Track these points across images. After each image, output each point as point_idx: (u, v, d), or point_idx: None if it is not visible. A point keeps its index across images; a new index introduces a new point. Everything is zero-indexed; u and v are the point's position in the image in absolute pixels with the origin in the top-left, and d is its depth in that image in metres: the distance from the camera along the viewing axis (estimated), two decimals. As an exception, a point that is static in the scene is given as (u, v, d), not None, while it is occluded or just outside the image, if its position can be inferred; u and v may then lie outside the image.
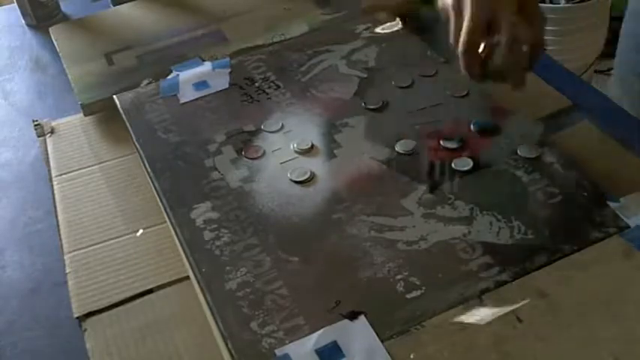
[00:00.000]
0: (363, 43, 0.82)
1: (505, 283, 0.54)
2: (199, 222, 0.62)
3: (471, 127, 0.68)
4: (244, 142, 0.70)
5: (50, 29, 0.92)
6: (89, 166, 0.73)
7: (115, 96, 0.78)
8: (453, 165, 0.64)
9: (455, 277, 0.55)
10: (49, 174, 0.73)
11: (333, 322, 0.53)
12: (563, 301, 0.53)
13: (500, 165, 0.64)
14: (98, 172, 0.72)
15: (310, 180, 0.65)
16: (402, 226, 0.59)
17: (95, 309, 0.59)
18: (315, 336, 0.52)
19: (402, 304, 0.53)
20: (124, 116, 0.75)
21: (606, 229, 0.57)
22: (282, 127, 0.71)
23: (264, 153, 0.68)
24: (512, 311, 0.52)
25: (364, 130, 0.70)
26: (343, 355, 0.50)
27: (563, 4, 1.60)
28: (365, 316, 0.53)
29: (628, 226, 0.58)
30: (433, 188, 0.62)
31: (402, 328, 0.52)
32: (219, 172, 0.67)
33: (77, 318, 0.58)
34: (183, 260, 0.61)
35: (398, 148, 0.67)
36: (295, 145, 0.68)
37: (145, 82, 0.80)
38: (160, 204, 0.65)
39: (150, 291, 0.60)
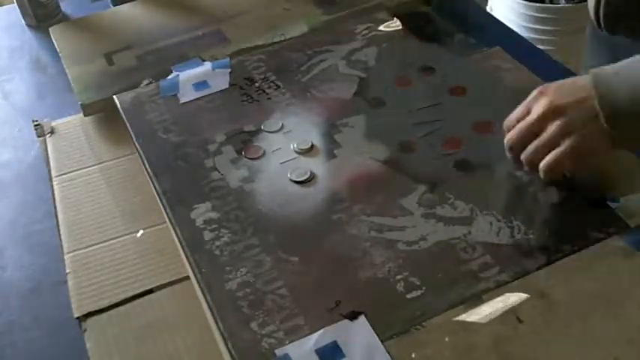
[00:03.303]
0: (363, 43, 0.82)
1: (505, 283, 0.54)
2: (199, 222, 0.62)
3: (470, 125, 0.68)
4: (244, 142, 0.70)
5: (50, 29, 0.92)
6: (89, 166, 0.73)
7: (115, 96, 0.78)
8: (453, 165, 0.64)
9: (455, 277, 0.55)
10: (49, 174, 0.73)
11: (333, 322, 0.53)
12: (563, 301, 0.53)
13: (500, 165, 0.64)
14: (98, 172, 0.72)
15: (310, 180, 0.65)
16: (402, 226, 0.59)
17: (95, 309, 0.59)
18: (315, 336, 0.52)
19: (402, 304, 0.53)
20: (124, 116, 0.75)
21: (606, 229, 0.57)
22: (282, 127, 0.71)
23: (264, 153, 0.68)
24: (513, 311, 0.52)
25: (364, 130, 0.70)
26: (343, 355, 0.50)
27: (563, 4, 1.60)
28: (365, 316, 0.53)
29: (628, 226, 0.58)
30: (433, 188, 0.63)
31: (402, 328, 0.52)
32: (219, 172, 0.67)
33: (77, 318, 0.58)
34: (183, 260, 0.61)
35: (398, 147, 0.67)
36: (295, 145, 0.68)
37: (145, 82, 0.80)
38: (160, 204, 0.65)
39: (150, 291, 0.60)
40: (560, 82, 0.59)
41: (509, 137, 0.61)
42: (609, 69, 0.57)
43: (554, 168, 0.59)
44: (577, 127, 0.57)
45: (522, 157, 0.61)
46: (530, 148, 0.60)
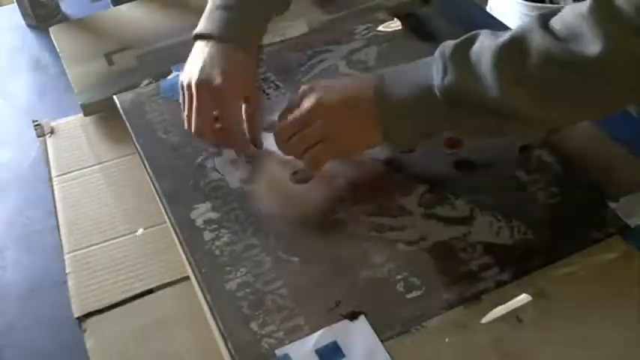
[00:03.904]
0: (363, 43, 0.82)
1: (505, 283, 0.54)
2: (199, 222, 0.62)
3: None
4: (244, 142, 0.69)
5: (50, 29, 0.92)
6: (89, 166, 0.73)
7: (115, 96, 0.78)
8: (453, 165, 0.64)
9: (455, 277, 0.55)
10: (49, 174, 0.73)
11: (333, 322, 0.53)
12: (563, 301, 0.53)
13: (500, 165, 0.64)
14: (98, 172, 0.72)
15: (310, 180, 0.65)
16: (402, 226, 0.60)
17: (95, 309, 0.59)
18: (315, 336, 0.52)
19: (402, 304, 0.53)
20: (124, 116, 0.75)
21: (606, 229, 0.58)
22: (282, 127, 0.71)
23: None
24: (513, 311, 0.52)
25: (364, 130, 0.70)
26: (343, 355, 0.50)
27: (563, 4, 1.60)
28: (365, 316, 0.53)
29: (628, 226, 0.58)
30: (433, 188, 0.62)
31: (402, 328, 0.52)
32: (219, 172, 0.67)
33: (77, 318, 0.58)
34: (183, 260, 0.61)
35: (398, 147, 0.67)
36: (295, 145, 0.68)
37: (145, 82, 0.80)
38: (160, 204, 0.65)
39: (150, 291, 0.60)
40: (333, 81, 0.63)
41: (277, 127, 0.63)
42: (392, 69, 0.60)
43: (314, 164, 0.62)
44: (336, 128, 0.60)
45: (284, 147, 0.62)
46: (293, 141, 0.61)
